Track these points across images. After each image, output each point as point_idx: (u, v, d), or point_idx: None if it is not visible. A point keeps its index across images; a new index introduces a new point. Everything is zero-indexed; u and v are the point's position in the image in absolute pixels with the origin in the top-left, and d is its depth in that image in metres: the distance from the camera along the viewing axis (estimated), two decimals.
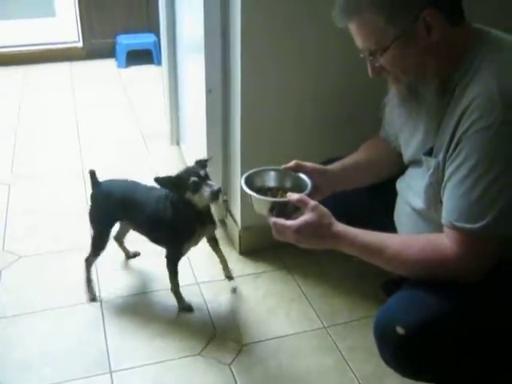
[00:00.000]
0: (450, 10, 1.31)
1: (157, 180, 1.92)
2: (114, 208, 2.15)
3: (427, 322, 1.30)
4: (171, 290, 2.13)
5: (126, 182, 2.21)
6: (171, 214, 2.00)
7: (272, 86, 2.19)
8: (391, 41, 1.33)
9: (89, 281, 2.23)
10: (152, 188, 2.08)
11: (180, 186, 1.93)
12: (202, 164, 1.99)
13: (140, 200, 2.09)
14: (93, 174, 2.17)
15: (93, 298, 2.20)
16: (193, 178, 1.89)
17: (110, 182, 2.20)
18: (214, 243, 2.19)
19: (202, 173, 1.92)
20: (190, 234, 2.02)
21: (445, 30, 1.31)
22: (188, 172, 1.94)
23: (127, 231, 2.36)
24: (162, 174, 1.95)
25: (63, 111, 4.04)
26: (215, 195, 1.88)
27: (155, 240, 2.15)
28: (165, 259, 2.08)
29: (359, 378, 1.86)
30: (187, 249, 2.06)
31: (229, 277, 2.26)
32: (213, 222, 2.10)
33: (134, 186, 2.18)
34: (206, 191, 1.88)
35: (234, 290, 2.26)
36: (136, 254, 2.44)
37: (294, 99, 2.24)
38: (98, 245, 2.20)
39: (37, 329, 2.07)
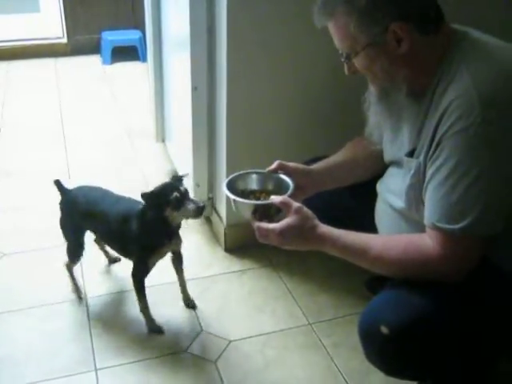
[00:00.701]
0: (422, 21, 1.32)
1: (143, 196, 1.86)
2: (78, 217, 2.11)
3: (411, 321, 1.31)
4: (140, 310, 2.05)
5: (94, 190, 2.13)
6: (139, 229, 1.93)
7: (258, 83, 2.20)
8: (362, 47, 1.36)
9: (74, 282, 2.22)
10: (120, 198, 2.05)
11: (161, 201, 1.86)
12: (178, 179, 1.94)
13: (105, 211, 2.02)
14: (58, 182, 2.13)
15: (80, 297, 2.19)
16: (175, 194, 1.84)
17: (78, 190, 2.15)
18: (178, 261, 2.11)
19: (182, 189, 1.87)
20: (157, 248, 1.97)
21: (417, 41, 1.32)
22: (169, 187, 1.88)
23: None
24: (147, 187, 1.94)
25: (47, 108, 4.02)
26: (200, 212, 1.86)
27: (122, 253, 2.13)
28: (131, 278, 2.02)
29: (344, 375, 1.88)
30: (153, 263, 1.99)
31: (188, 304, 2.17)
32: (179, 238, 2.04)
33: (102, 195, 2.10)
34: (191, 207, 1.85)
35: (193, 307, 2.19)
36: (117, 260, 2.38)
37: (281, 97, 2.25)
38: (73, 252, 2.16)
39: (22, 326, 2.06)
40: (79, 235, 2.15)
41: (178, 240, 2.04)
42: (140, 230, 1.93)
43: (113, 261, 2.39)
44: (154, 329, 2.05)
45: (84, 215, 2.08)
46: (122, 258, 2.24)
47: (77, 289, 2.21)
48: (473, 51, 1.34)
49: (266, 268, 2.39)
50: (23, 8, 5.25)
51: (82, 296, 2.20)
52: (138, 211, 1.93)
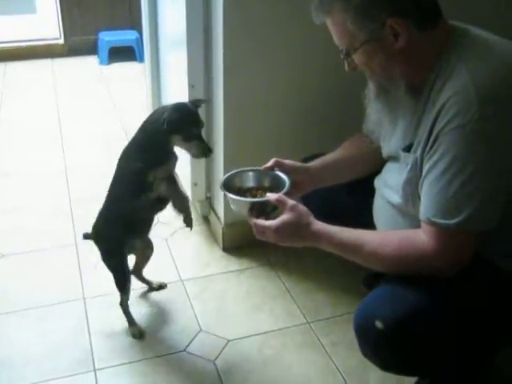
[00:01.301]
0: (419, 17, 1.32)
1: (165, 110, 1.74)
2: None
3: (406, 316, 1.32)
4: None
5: None
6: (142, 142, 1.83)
7: (255, 81, 2.20)
8: (360, 43, 1.36)
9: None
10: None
11: (176, 126, 1.73)
12: (198, 105, 1.82)
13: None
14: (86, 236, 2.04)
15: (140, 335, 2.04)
16: (194, 127, 1.74)
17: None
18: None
19: (201, 122, 1.78)
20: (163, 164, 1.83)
21: (414, 36, 1.33)
22: (192, 116, 1.76)
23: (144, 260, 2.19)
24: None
25: (45, 108, 4.01)
26: (205, 153, 1.78)
27: None
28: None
29: (343, 373, 1.88)
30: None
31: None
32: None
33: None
34: (202, 145, 1.76)
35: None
36: (162, 286, 2.24)
37: (277, 95, 2.25)
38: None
39: (20, 327, 2.06)
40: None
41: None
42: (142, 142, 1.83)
43: (157, 288, 2.24)
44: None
45: None
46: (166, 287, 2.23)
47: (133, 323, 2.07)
48: (472, 48, 1.34)
49: (263, 267, 2.38)
50: (19, 9, 5.25)
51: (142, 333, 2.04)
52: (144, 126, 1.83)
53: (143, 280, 2.21)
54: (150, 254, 2.14)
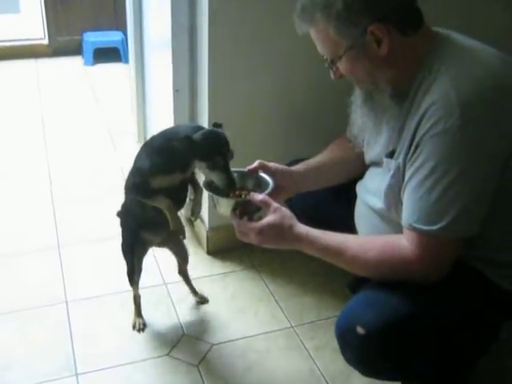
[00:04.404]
0: (401, 23, 1.33)
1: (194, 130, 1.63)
2: None
3: (387, 321, 1.32)
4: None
5: None
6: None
7: (240, 85, 2.19)
8: (344, 51, 1.37)
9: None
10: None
11: (202, 151, 1.61)
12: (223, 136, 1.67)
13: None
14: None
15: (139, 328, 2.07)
16: (220, 158, 1.59)
17: None
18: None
19: (231, 152, 1.64)
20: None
21: (397, 42, 1.33)
22: (222, 144, 1.63)
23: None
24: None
25: (28, 109, 3.97)
26: (232, 185, 1.59)
27: None
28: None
29: (326, 377, 1.88)
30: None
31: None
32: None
33: None
34: (223, 177, 1.59)
35: None
36: (204, 301, 2.21)
37: (262, 99, 2.24)
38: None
39: (1, 331, 2.03)
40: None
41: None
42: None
43: (199, 301, 2.21)
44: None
45: None
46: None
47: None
48: (453, 54, 1.35)
49: (248, 270, 2.38)
50: (3, 8, 5.18)
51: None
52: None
53: (189, 285, 2.21)
54: (179, 253, 2.12)
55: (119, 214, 1.98)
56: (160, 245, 2.05)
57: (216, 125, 1.71)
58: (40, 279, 2.26)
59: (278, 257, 2.37)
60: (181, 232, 1.85)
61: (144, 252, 2.00)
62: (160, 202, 1.77)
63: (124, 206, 1.94)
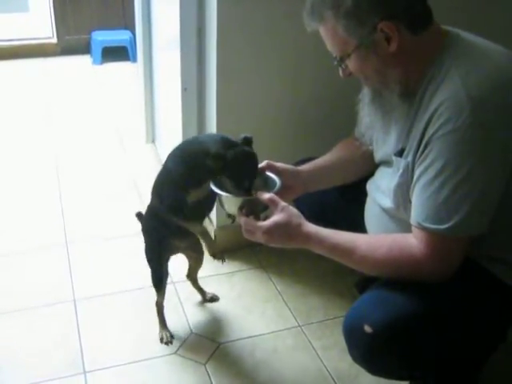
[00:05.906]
0: (410, 21, 1.33)
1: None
2: None
3: (394, 320, 1.32)
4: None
5: None
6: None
7: (248, 85, 2.19)
8: (352, 49, 1.37)
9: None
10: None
11: (231, 170, 1.57)
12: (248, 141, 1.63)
13: None
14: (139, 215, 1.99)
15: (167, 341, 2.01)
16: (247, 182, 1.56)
17: None
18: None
19: (262, 178, 1.60)
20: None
21: (406, 40, 1.33)
22: (252, 167, 1.58)
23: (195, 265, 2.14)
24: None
25: (37, 108, 3.99)
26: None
27: None
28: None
29: (334, 377, 1.87)
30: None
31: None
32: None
33: None
34: (243, 194, 1.54)
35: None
36: (214, 299, 2.21)
37: (271, 99, 2.24)
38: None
39: (8, 330, 2.04)
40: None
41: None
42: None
43: (209, 300, 2.20)
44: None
45: None
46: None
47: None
48: (463, 53, 1.34)
49: (255, 270, 2.38)
50: (11, 7, 5.19)
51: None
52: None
53: (197, 288, 2.19)
54: (198, 257, 2.07)
55: (140, 216, 1.95)
56: (185, 250, 2.02)
57: (247, 140, 1.62)
58: (48, 277, 2.26)
59: (286, 256, 2.37)
60: (218, 256, 1.86)
61: (170, 258, 1.97)
62: (195, 226, 1.79)
63: (151, 212, 1.87)
